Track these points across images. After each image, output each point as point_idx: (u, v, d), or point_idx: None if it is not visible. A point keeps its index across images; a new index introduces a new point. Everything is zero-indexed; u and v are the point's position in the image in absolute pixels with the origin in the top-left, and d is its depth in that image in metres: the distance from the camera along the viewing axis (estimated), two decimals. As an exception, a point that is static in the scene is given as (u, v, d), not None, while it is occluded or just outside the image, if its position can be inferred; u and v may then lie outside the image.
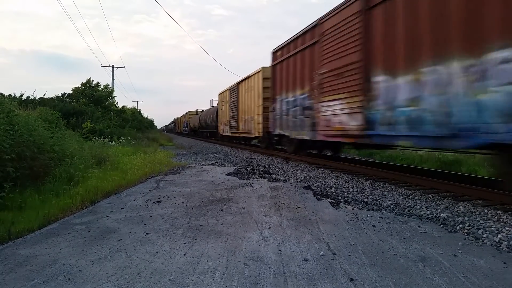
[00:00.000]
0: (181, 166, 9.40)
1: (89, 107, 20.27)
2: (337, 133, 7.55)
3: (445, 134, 4.90)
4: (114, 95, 28.46)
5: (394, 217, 4.13)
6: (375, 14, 6.36)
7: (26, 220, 3.82)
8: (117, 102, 29.33)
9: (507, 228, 3.51)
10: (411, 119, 5.47)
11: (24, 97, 16.84)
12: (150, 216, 4.13)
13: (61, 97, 22.34)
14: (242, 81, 16.68)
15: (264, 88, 13.31)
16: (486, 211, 4.27)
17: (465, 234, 3.47)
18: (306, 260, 2.76)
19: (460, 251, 2.98)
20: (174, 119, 72.39)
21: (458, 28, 4.70)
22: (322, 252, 2.92)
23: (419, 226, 3.74)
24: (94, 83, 26.77)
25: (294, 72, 10.03)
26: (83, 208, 4.60)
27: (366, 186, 6.04)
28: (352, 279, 2.42)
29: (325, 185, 6.18)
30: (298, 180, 6.95)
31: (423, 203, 4.74)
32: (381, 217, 4.07)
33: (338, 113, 7.43)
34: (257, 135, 14.44)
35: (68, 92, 24.19)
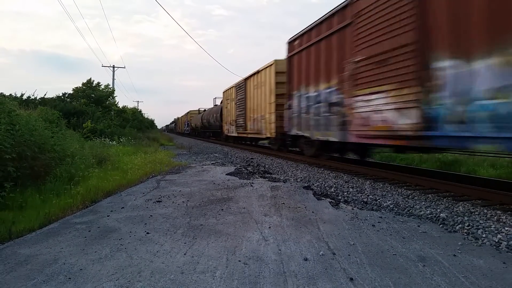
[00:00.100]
0: (181, 166, 9.41)
1: (90, 107, 20.30)
2: (379, 134, 6.11)
3: None
4: (114, 95, 28.54)
5: (394, 217, 4.14)
6: None
7: (27, 220, 3.83)
8: (117, 102, 29.40)
9: (506, 228, 3.52)
10: (498, 116, 4.17)
11: (24, 97, 16.86)
12: (151, 215, 4.14)
13: (62, 97, 22.36)
14: (250, 76, 15.21)
15: (278, 83, 11.91)
16: (485, 211, 4.27)
17: (465, 234, 3.48)
18: (306, 259, 2.77)
19: (459, 251, 2.98)
20: (175, 119, 72.32)
21: None
22: (322, 252, 2.93)
23: (418, 226, 3.75)
24: (94, 83, 26.82)
25: (317, 62, 8.61)
26: (83, 208, 4.61)
27: (366, 186, 6.05)
28: (351, 279, 2.43)
29: (325, 185, 6.19)
30: (298, 180, 6.96)
31: (423, 203, 4.75)
32: (381, 217, 4.08)
33: (380, 109, 6.04)
34: (268, 135, 12.96)
35: (69, 92, 24.26)
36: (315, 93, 8.71)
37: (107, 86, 28.64)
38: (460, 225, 3.70)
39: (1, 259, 2.82)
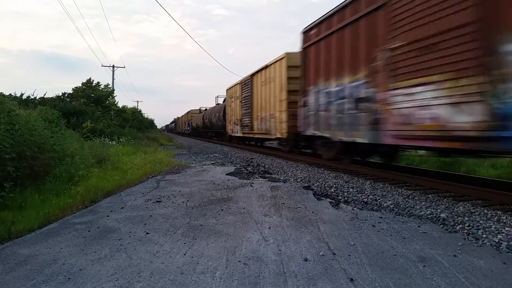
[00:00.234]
0: (181, 165, 9.41)
1: (90, 106, 20.30)
2: (427, 135, 5.12)
3: None
4: (114, 95, 28.52)
5: (394, 217, 4.14)
6: None
7: (26, 220, 3.82)
8: (117, 102, 29.38)
9: (507, 229, 3.51)
10: None
11: (24, 97, 16.86)
12: (150, 215, 4.13)
13: (62, 97, 22.35)
14: (257, 72, 14.08)
15: (290, 78, 10.90)
16: (486, 211, 4.27)
17: (465, 234, 3.48)
18: (306, 260, 2.77)
19: (460, 251, 2.98)
20: (175, 118, 72.20)
21: None
22: (322, 252, 2.92)
23: (419, 226, 3.74)
24: (94, 83, 26.81)
25: (339, 53, 7.60)
26: (83, 208, 4.61)
27: (366, 186, 6.05)
28: (352, 279, 2.42)
29: (325, 185, 6.18)
30: (298, 180, 6.95)
31: (423, 203, 4.75)
32: (381, 217, 4.07)
33: (429, 104, 5.05)
34: (279, 136, 11.84)
35: (69, 92, 24.24)
36: (337, 88, 7.66)
37: (107, 86, 28.64)
38: (460, 226, 3.69)
39: (0, 259, 2.81)
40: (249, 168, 8.96)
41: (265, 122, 13.14)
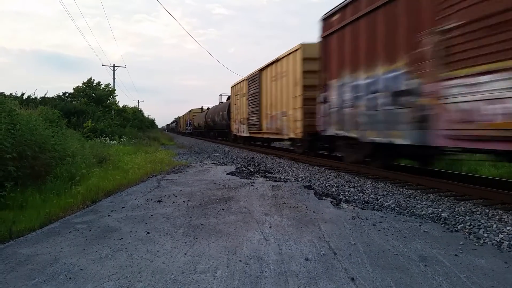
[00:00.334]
0: (182, 165, 9.41)
1: (90, 106, 20.30)
2: (499, 135, 4.17)
3: None
4: (115, 95, 28.53)
5: (395, 216, 4.13)
6: None
7: (27, 219, 3.83)
8: (118, 102, 29.39)
9: (508, 228, 3.50)
10: None
11: (25, 97, 16.88)
12: (151, 215, 4.13)
13: (62, 97, 22.39)
14: (266, 66, 12.98)
15: (305, 72, 9.82)
16: (487, 210, 4.26)
17: (466, 233, 3.47)
18: (307, 259, 2.76)
19: (461, 251, 2.97)
20: (176, 118, 72.13)
21: None
22: (323, 252, 2.92)
23: (420, 225, 3.74)
24: (95, 82, 26.82)
25: (370, 39, 6.60)
26: (84, 207, 4.61)
27: (367, 186, 6.04)
28: (353, 279, 2.42)
29: (326, 185, 6.18)
30: (299, 179, 6.95)
31: (424, 202, 4.74)
32: (382, 217, 4.07)
33: (501, 97, 4.13)
34: (292, 136, 10.76)
35: (69, 92, 24.27)
36: (368, 80, 6.64)
37: (107, 85, 28.65)
38: (461, 225, 3.68)
39: (1, 258, 2.82)
40: (250, 168, 8.95)
41: (275, 121, 12.10)
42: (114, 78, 32.77)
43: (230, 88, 19.40)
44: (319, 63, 8.61)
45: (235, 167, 9.09)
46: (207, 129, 29.85)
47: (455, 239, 3.31)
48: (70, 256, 2.84)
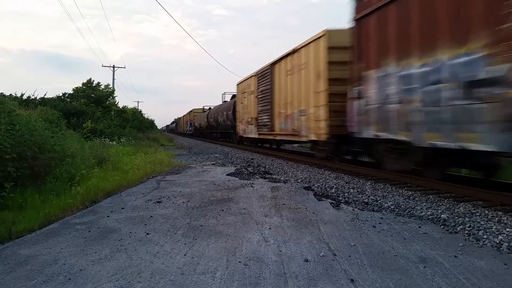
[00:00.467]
0: (181, 166, 9.41)
1: (90, 107, 20.30)
2: None
3: None
4: (114, 95, 28.56)
5: (395, 218, 4.13)
6: None
7: (27, 220, 3.82)
8: (117, 102, 29.41)
9: (507, 229, 3.51)
10: None
11: (25, 97, 16.87)
12: (151, 216, 4.13)
13: (62, 97, 22.38)
14: (280, 59, 11.59)
15: (331, 63, 8.39)
16: (486, 212, 4.26)
17: (466, 235, 3.47)
18: (306, 260, 2.76)
19: (460, 252, 2.97)
20: (176, 118, 72.01)
21: None
22: (322, 253, 2.92)
23: (419, 227, 3.74)
24: (94, 83, 26.84)
25: (428, 16, 5.24)
26: (83, 208, 4.61)
27: (367, 187, 6.04)
28: (352, 280, 2.42)
29: (326, 186, 6.18)
30: (299, 180, 6.95)
31: (424, 204, 4.74)
32: (382, 218, 4.07)
33: None
34: (313, 138, 9.29)
35: (69, 92, 24.28)
36: (425, 68, 5.30)
37: (107, 86, 28.69)
38: (461, 226, 3.69)
39: (1, 259, 2.81)
40: (249, 169, 8.95)
41: (291, 120, 10.67)
42: (113, 79, 32.78)
43: (235, 86, 17.95)
44: (351, 52, 7.26)
45: (235, 168, 9.09)
46: (209, 130, 28.47)
47: (454, 240, 3.31)
48: (69, 257, 2.84)
